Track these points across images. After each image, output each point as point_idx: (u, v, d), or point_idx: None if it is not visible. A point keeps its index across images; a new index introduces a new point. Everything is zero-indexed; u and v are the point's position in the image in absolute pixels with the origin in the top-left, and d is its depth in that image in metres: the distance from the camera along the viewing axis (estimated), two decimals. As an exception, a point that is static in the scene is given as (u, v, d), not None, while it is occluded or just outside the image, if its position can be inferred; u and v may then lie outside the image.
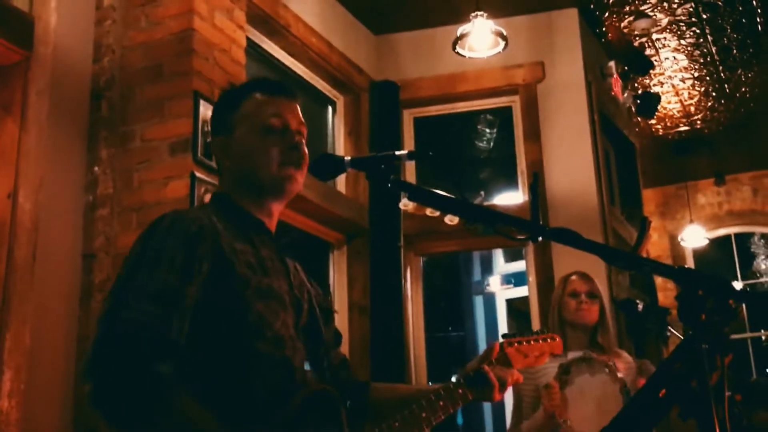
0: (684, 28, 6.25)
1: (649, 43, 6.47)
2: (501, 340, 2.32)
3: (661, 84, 7.16)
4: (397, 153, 1.88)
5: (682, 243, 9.43)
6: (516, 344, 2.31)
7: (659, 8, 5.96)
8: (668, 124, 8.06)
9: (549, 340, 2.41)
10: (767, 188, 9.61)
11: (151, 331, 1.63)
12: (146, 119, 3.90)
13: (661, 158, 8.70)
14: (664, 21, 6.14)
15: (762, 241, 10.07)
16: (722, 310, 1.42)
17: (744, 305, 1.48)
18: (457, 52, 5.11)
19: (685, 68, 6.91)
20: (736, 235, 9.97)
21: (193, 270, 1.74)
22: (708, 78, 7.11)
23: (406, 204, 4.71)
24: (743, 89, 7.33)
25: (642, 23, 6.13)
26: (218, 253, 1.80)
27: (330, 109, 5.79)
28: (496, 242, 6.30)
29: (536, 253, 5.50)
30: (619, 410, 1.56)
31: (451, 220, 5.26)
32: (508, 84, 5.86)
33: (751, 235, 10.07)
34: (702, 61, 6.79)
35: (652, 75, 6.95)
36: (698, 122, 8.02)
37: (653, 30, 6.24)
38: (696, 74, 7.03)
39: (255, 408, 1.75)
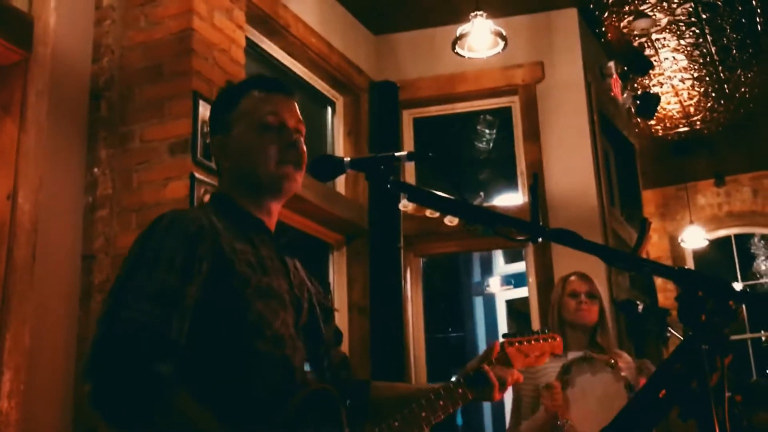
0: (683, 28, 6.25)
1: (649, 43, 6.47)
2: (501, 339, 2.32)
3: (661, 84, 7.16)
4: (396, 154, 1.87)
5: (682, 244, 9.43)
6: (516, 344, 2.31)
7: (659, 8, 5.96)
8: (668, 124, 8.06)
9: (549, 340, 2.40)
10: (767, 189, 9.61)
11: (150, 331, 1.63)
12: (145, 119, 3.90)
13: (660, 159, 8.70)
14: (664, 21, 6.14)
15: (762, 242, 10.07)
16: (722, 311, 1.42)
17: (744, 306, 1.48)
18: (457, 53, 5.11)
19: (685, 68, 6.91)
20: (736, 236, 9.98)
21: (193, 270, 1.73)
22: (707, 78, 7.11)
23: (405, 205, 4.71)
24: (743, 89, 7.33)
25: (641, 23, 6.13)
26: (218, 252, 1.79)
27: (329, 109, 5.79)
28: (495, 243, 6.30)
29: (536, 254, 5.50)
30: (620, 410, 1.56)
31: (450, 221, 5.26)
32: (507, 84, 5.86)
33: (751, 236, 10.07)
34: (701, 61, 6.79)
35: (651, 75, 6.95)
36: (698, 123, 8.02)
37: (653, 30, 6.24)
38: (695, 74, 7.03)
39: (255, 407, 1.74)
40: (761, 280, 10.02)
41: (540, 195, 5.46)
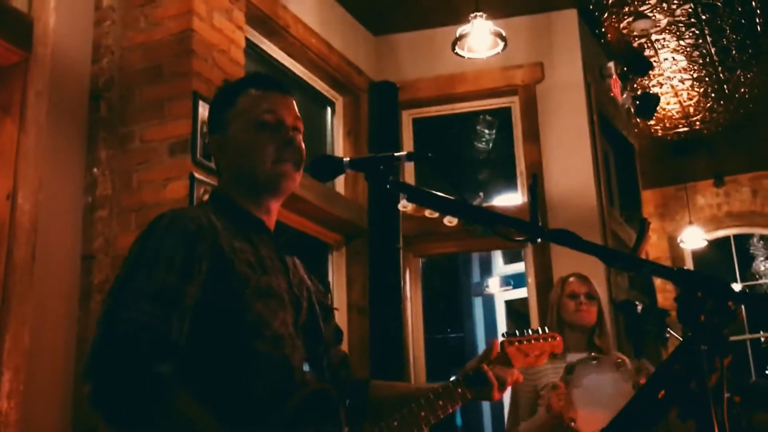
0: (683, 28, 6.25)
1: (648, 44, 6.47)
2: (501, 339, 2.32)
3: (660, 85, 7.16)
4: (396, 154, 1.87)
5: (681, 244, 9.43)
6: (516, 343, 2.31)
7: (658, 9, 5.96)
8: (667, 125, 8.06)
9: (549, 340, 2.40)
10: (766, 189, 9.62)
11: (150, 332, 1.63)
12: (145, 120, 3.90)
13: (660, 159, 8.70)
14: (663, 22, 6.14)
15: (761, 242, 10.07)
16: (721, 311, 1.42)
17: (743, 307, 1.48)
18: (457, 53, 5.11)
19: (684, 69, 6.91)
20: (735, 236, 9.97)
21: (193, 269, 1.73)
22: (707, 79, 7.11)
23: (405, 205, 4.71)
24: (742, 90, 7.33)
25: (641, 24, 6.13)
26: (217, 252, 1.79)
27: (329, 109, 5.79)
28: (495, 243, 6.30)
29: (535, 255, 5.50)
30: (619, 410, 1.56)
31: (450, 221, 5.26)
32: (507, 85, 5.86)
33: (751, 236, 10.07)
34: (701, 61, 6.79)
35: (651, 76, 6.95)
36: (697, 123, 8.02)
37: (652, 31, 6.24)
38: (695, 75, 7.03)
39: (254, 407, 1.74)
40: (760, 281, 10.02)
41: (539, 195, 5.46)
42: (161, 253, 1.73)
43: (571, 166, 5.60)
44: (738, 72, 7.01)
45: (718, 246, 9.86)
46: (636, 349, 5.74)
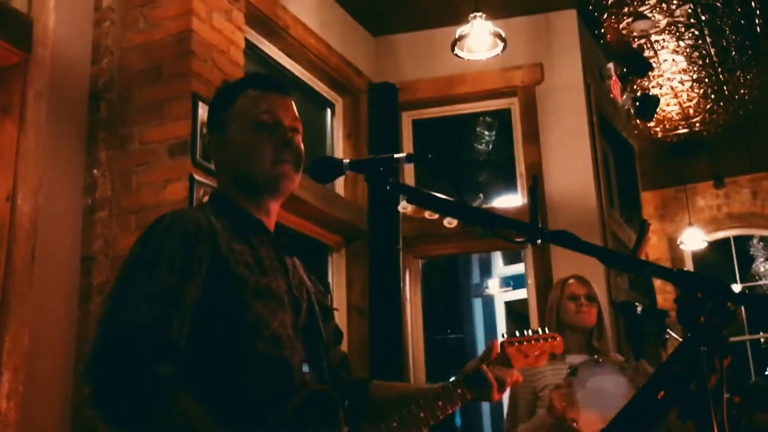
0: (683, 29, 6.25)
1: (648, 45, 6.47)
2: (501, 339, 2.31)
3: (660, 86, 7.16)
4: (395, 155, 1.87)
5: (681, 246, 9.43)
6: (516, 344, 2.30)
7: (658, 9, 5.97)
8: (667, 126, 8.06)
9: (550, 340, 2.40)
10: (766, 191, 9.62)
11: (150, 333, 1.63)
12: (145, 121, 3.90)
13: (659, 161, 8.70)
14: (663, 22, 6.14)
15: (761, 243, 10.07)
16: (721, 312, 1.42)
17: (743, 308, 1.48)
18: (456, 54, 5.11)
19: (684, 70, 6.91)
20: (735, 237, 9.97)
21: (193, 270, 1.73)
22: (707, 80, 7.12)
23: (405, 206, 4.70)
24: (742, 91, 7.33)
25: (641, 25, 6.13)
26: (216, 253, 1.79)
27: (329, 111, 5.79)
28: (495, 245, 6.30)
29: (535, 256, 5.49)
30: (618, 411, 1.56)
31: (449, 222, 5.26)
32: (506, 86, 5.86)
33: (750, 237, 10.07)
34: (701, 62, 6.79)
35: (650, 77, 6.96)
36: (697, 124, 8.02)
37: (652, 31, 6.24)
38: (695, 76, 7.03)
39: (253, 409, 1.74)
40: (760, 282, 10.02)
41: (539, 196, 5.46)
42: (161, 254, 1.73)
43: (570, 168, 5.60)
44: (738, 73, 7.01)
45: (718, 247, 9.86)
46: (636, 350, 5.73)
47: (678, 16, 6.06)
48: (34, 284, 3.47)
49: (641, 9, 5.95)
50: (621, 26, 6.17)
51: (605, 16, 6.02)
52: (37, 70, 3.68)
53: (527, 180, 5.67)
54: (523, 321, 6.41)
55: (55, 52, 3.77)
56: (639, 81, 7.00)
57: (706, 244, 9.30)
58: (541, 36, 5.88)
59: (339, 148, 5.69)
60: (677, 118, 7.86)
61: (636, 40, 6.38)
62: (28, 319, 3.42)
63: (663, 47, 6.51)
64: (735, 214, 9.77)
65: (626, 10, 5.97)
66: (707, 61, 6.76)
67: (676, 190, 9.83)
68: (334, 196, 5.35)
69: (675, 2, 5.88)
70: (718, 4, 5.91)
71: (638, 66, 6.66)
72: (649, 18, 6.06)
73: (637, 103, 6.80)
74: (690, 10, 5.98)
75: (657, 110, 7.03)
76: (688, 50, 6.57)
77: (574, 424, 3.32)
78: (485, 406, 8.36)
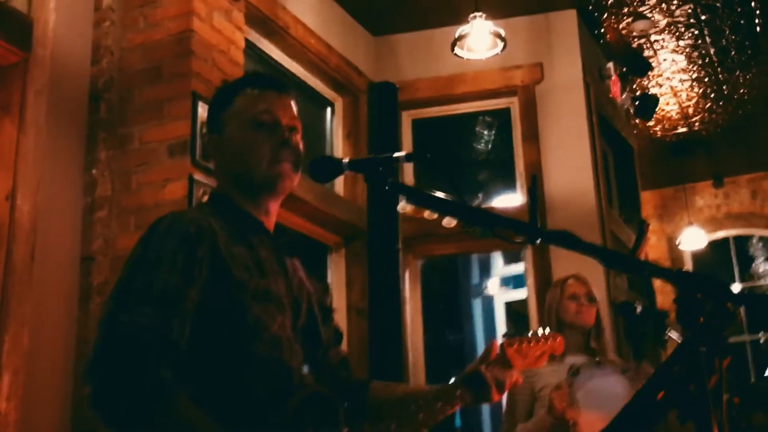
0: (682, 29, 6.25)
1: (648, 45, 6.47)
2: (501, 340, 2.31)
3: (660, 85, 7.16)
4: (395, 155, 1.87)
5: (680, 246, 9.42)
6: (516, 345, 2.30)
7: (657, 9, 5.96)
8: (666, 125, 8.06)
9: (549, 341, 2.38)
10: (766, 190, 9.61)
11: (151, 334, 1.62)
12: (145, 121, 3.90)
13: (659, 160, 8.70)
14: (663, 22, 6.14)
15: (760, 243, 10.06)
16: (720, 313, 1.42)
17: (742, 308, 1.48)
18: (456, 54, 5.10)
19: (684, 70, 6.91)
20: (735, 237, 9.97)
21: (194, 272, 1.73)
22: (706, 80, 7.11)
23: (404, 206, 4.71)
24: (741, 91, 7.33)
25: (640, 25, 6.13)
26: (216, 254, 1.79)
27: (329, 110, 5.78)
28: (494, 245, 6.29)
29: (535, 256, 5.49)
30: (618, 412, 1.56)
31: (448, 222, 5.25)
32: (506, 85, 5.85)
33: (750, 237, 10.06)
34: (700, 62, 6.79)
35: (650, 76, 6.95)
36: (696, 124, 8.02)
37: (651, 31, 6.24)
38: (694, 76, 7.03)
39: (253, 410, 1.74)
40: (760, 282, 10.01)
41: (539, 196, 5.46)
42: (162, 256, 1.73)
43: (570, 167, 5.60)
44: (737, 73, 7.01)
45: (717, 247, 9.85)
46: (635, 350, 5.74)
47: (678, 16, 6.06)
48: (33, 284, 3.47)
49: (641, 9, 5.95)
50: (621, 26, 6.16)
51: (605, 16, 6.02)
52: (37, 70, 3.68)
53: (527, 180, 5.66)
54: (523, 321, 6.41)
55: (55, 51, 3.77)
56: (638, 81, 7.00)
57: (705, 244, 9.29)
58: (540, 36, 5.88)
59: (339, 147, 5.69)
60: (676, 117, 7.86)
61: (636, 39, 6.38)
62: (27, 319, 3.41)
63: (662, 47, 6.50)
64: (734, 213, 9.76)
65: (626, 10, 5.96)
66: (707, 60, 6.76)
67: (676, 190, 9.82)
68: (333, 195, 5.35)
69: (675, 2, 5.88)
70: (718, 5, 5.91)
71: (638, 66, 6.66)
72: (648, 18, 6.06)
73: (637, 103, 6.80)
74: (690, 10, 5.98)
75: (656, 110, 7.03)
76: (687, 50, 6.57)
77: (575, 425, 3.31)
78: (485, 407, 8.36)
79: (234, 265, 1.81)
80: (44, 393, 3.47)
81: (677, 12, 6.00)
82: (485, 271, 9.14)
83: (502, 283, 8.63)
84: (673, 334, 4.56)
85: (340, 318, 5.27)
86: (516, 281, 8.27)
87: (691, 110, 7.71)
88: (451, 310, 9.29)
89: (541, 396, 3.57)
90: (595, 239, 5.37)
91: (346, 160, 1.90)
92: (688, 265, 9.69)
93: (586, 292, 3.78)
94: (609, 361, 3.61)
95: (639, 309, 5.38)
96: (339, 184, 5.52)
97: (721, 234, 9.86)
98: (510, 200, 5.95)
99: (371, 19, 5.88)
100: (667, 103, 7.50)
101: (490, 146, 6.35)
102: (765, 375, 8.93)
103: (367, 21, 5.89)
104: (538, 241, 1.70)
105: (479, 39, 5.04)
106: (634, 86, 7.05)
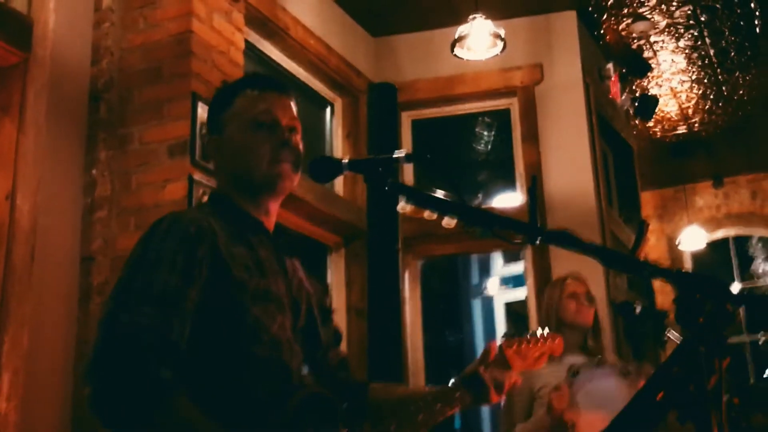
0: (682, 30, 6.25)
1: (647, 46, 6.47)
2: (500, 341, 2.30)
3: (659, 86, 7.16)
4: (395, 155, 1.88)
5: (680, 246, 9.43)
6: (515, 346, 2.30)
7: (657, 10, 5.97)
8: (666, 126, 8.06)
9: (548, 342, 2.38)
10: (765, 191, 9.61)
11: (151, 334, 1.62)
12: (144, 121, 3.90)
13: (659, 161, 8.70)
14: (662, 23, 6.14)
15: (760, 243, 10.06)
16: (720, 313, 1.42)
17: (742, 308, 1.48)
18: (456, 54, 5.10)
19: (683, 71, 6.91)
20: (735, 237, 9.97)
21: (194, 272, 1.73)
22: (706, 80, 7.12)
23: (404, 207, 4.71)
24: (741, 92, 7.33)
25: (640, 26, 6.13)
26: (216, 255, 1.79)
27: (328, 111, 5.78)
28: (494, 245, 6.29)
29: (535, 256, 5.49)
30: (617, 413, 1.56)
31: (448, 223, 5.25)
32: (506, 86, 5.85)
33: (749, 237, 10.06)
34: (700, 63, 6.79)
35: (649, 77, 6.95)
36: (696, 125, 8.02)
37: (651, 32, 6.24)
38: (694, 77, 7.03)
39: (252, 410, 1.74)
40: (759, 282, 10.01)
41: (538, 196, 5.46)
42: (162, 256, 1.73)
43: (570, 168, 5.60)
44: (737, 74, 7.01)
45: (717, 247, 9.85)
46: (635, 350, 5.74)
47: (677, 17, 6.06)
48: (33, 284, 3.47)
49: (641, 10, 5.95)
50: (620, 27, 6.17)
51: (605, 17, 6.02)
52: (37, 71, 3.68)
53: (526, 180, 5.66)
54: (523, 321, 6.41)
55: (55, 52, 3.77)
56: (638, 81, 7.00)
57: (705, 245, 9.29)
58: (540, 36, 5.88)
59: (338, 148, 5.68)
60: (676, 118, 7.86)
61: (635, 41, 6.38)
62: (27, 319, 3.41)
63: (662, 48, 6.51)
64: (734, 214, 9.76)
65: (626, 11, 5.96)
66: (706, 61, 6.76)
67: (675, 190, 9.82)
68: (333, 195, 5.35)
69: (674, 3, 5.88)
70: (718, 6, 5.91)
71: (637, 66, 6.66)
72: (648, 19, 6.06)
73: (637, 104, 6.80)
74: (689, 11, 5.98)
75: (656, 110, 7.03)
76: (687, 51, 6.57)
77: (573, 425, 3.31)
78: (485, 407, 8.35)
79: (234, 265, 1.81)
80: (44, 393, 3.47)
81: (677, 13, 6.00)
82: (485, 271, 9.13)
83: (501, 283, 8.63)
84: (673, 335, 4.56)
85: (340, 318, 5.27)
86: (516, 281, 8.26)
87: (690, 111, 7.71)
88: (450, 311, 9.28)
89: (540, 395, 3.56)
90: (595, 239, 5.37)
91: (345, 160, 1.90)
92: (688, 266, 9.70)
93: (586, 291, 3.78)
94: (609, 362, 3.61)
95: (639, 309, 5.38)
96: (339, 184, 5.52)
97: (720, 234, 9.86)
98: (510, 200, 5.95)
99: (371, 19, 5.88)
100: (667, 104, 7.50)
101: (489, 147, 6.35)
102: (764, 376, 8.93)
103: (366, 21, 5.89)
104: (538, 241, 1.70)
105: (479, 39, 5.04)
106: (634, 87, 7.05)
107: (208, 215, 1.88)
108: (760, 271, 10.01)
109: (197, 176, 3.74)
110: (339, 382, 2.07)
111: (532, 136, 5.71)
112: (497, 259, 8.88)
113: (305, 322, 1.97)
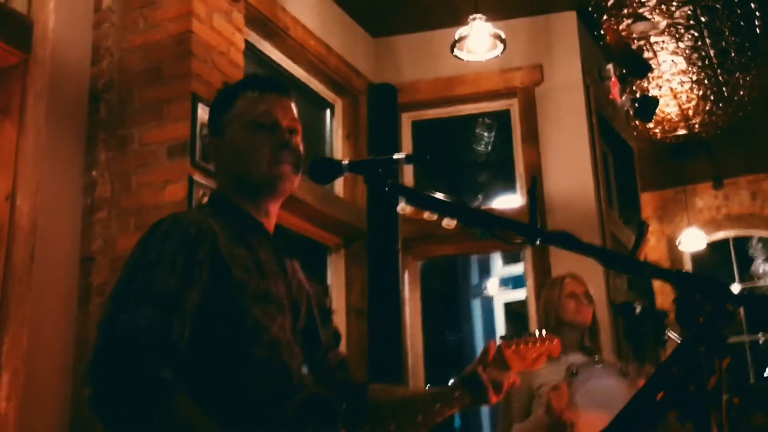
0: (682, 31, 6.25)
1: (647, 46, 6.47)
2: (499, 342, 2.30)
3: (659, 87, 7.16)
4: (394, 156, 1.88)
5: (680, 247, 9.43)
6: (513, 346, 2.30)
7: (657, 11, 5.97)
8: (666, 127, 8.06)
9: (547, 342, 2.38)
10: (765, 192, 9.61)
11: (151, 335, 1.62)
12: (144, 122, 3.90)
13: (659, 162, 8.70)
14: (663, 24, 6.14)
15: (760, 244, 10.06)
16: (720, 313, 1.42)
17: (742, 308, 1.48)
18: (456, 55, 5.10)
19: (683, 71, 6.91)
20: (734, 238, 9.97)
21: (194, 274, 1.73)
22: (706, 81, 7.12)
23: (403, 208, 4.71)
24: (741, 92, 7.33)
25: (640, 26, 6.13)
26: (216, 256, 1.79)
27: (328, 112, 5.78)
28: (494, 245, 6.29)
29: (534, 257, 5.49)
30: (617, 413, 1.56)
31: (448, 223, 5.25)
32: (506, 87, 5.86)
33: (749, 238, 10.06)
34: (700, 64, 6.79)
35: (650, 78, 6.96)
36: (696, 126, 8.02)
37: (651, 33, 6.25)
38: (694, 77, 7.03)
39: (252, 411, 1.74)
40: (759, 283, 10.01)
41: (538, 197, 5.46)
42: (162, 257, 1.73)
43: (570, 169, 5.60)
44: (737, 74, 7.01)
45: (717, 248, 9.86)
46: (635, 350, 5.74)
47: (677, 18, 6.07)
48: (33, 285, 3.47)
49: (641, 10, 5.96)
50: (620, 28, 6.17)
51: (605, 17, 6.03)
52: (37, 71, 3.68)
53: (526, 181, 5.67)
54: (522, 322, 6.41)
55: (55, 53, 3.77)
56: (638, 82, 7.00)
57: (705, 245, 9.29)
58: (540, 37, 5.88)
59: (338, 149, 5.69)
60: (676, 119, 7.87)
61: (635, 41, 6.38)
62: (27, 319, 3.42)
63: (662, 48, 6.51)
64: (734, 215, 9.77)
65: (626, 11, 5.97)
66: (706, 62, 6.76)
67: (675, 191, 9.83)
68: (333, 196, 5.35)
69: (674, 4, 5.88)
70: (718, 6, 5.91)
71: (637, 67, 6.67)
72: (648, 19, 6.06)
73: (637, 104, 6.81)
74: (689, 12, 5.98)
75: (656, 111, 7.03)
76: (687, 51, 6.57)
77: (572, 425, 3.30)
78: (484, 408, 8.35)
79: (234, 266, 1.81)
80: (44, 393, 3.47)
81: (677, 13, 6.00)
82: (485, 271, 9.14)
83: (501, 284, 8.63)
84: (673, 335, 4.56)
85: (340, 319, 5.27)
86: (515, 282, 8.27)
87: (690, 112, 7.71)
88: (450, 311, 9.28)
89: (539, 394, 3.56)
90: (595, 240, 5.37)
91: (345, 161, 1.90)
92: (688, 266, 9.70)
93: (585, 290, 3.78)
94: (608, 362, 3.61)
95: (638, 309, 5.37)
96: (339, 185, 5.52)
97: (720, 235, 9.87)
98: (510, 201, 5.96)
99: (371, 20, 5.88)
100: (667, 105, 7.50)
101: (489, 148, 6.35)
102: (764, 375, 8.94)
103: (366, 22, 5.89)
104: (538, 242, 1.70)
105: (479, 40, 5.04)
106: (634, 88, 7.05)
107: (208, 216, 1.88)
108: (760, 271, 10.02)
109: (197, 177, 3.74)
110: (339, 382, 2.07)
111: (532, 137, 5.71)
112: (497, 260, 8.88)
113: (305, 323, 1.97)
